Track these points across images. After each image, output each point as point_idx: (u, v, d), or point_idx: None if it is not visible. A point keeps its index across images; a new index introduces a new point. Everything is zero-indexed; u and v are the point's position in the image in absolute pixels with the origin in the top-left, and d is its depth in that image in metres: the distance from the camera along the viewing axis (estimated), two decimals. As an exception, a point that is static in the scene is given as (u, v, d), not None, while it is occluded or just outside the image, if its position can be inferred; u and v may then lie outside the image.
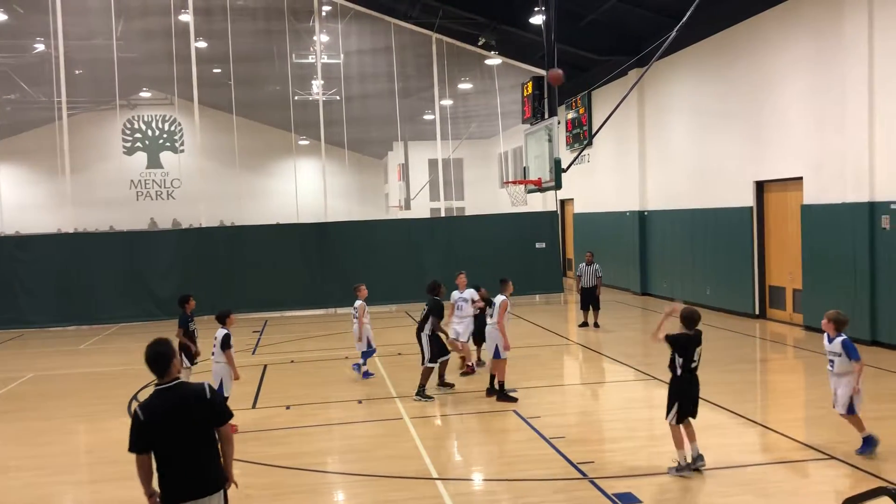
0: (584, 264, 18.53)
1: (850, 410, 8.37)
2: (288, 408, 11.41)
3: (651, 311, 21.07)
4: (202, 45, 24.80)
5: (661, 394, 11.13)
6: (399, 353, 15.54)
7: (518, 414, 10.51)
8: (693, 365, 7.86)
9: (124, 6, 24.15)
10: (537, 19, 21.51)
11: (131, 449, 5.02)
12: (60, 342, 19.41)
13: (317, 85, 26.19)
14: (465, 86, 30.49)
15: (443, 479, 7.99)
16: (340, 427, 10.50)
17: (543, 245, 23.78)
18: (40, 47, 27.24)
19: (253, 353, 16.59)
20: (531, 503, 7.32)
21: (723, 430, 9.47)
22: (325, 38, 26.52)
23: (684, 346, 7.83)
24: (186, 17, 23.54)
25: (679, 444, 7.87)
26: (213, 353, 10.41)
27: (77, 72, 27.22)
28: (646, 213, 23.94)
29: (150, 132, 41.54)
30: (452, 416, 11.01)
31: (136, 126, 41.18)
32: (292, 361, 15.38)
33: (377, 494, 7.71)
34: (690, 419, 7.95)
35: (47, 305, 21.30)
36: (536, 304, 23.59)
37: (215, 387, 10.14)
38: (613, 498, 7.24)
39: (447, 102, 29.56)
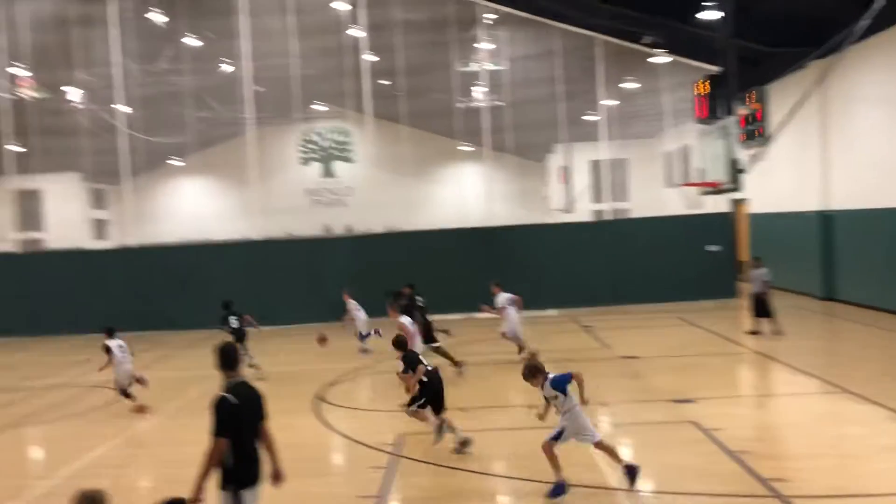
0: (752, 269, 17.65)
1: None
2: (463, 410, 11.61)
3: (836, 317, 19.71)
4: (372, 58, 25.90)
5: (852, 408, 10.48)
6: (568, 359, 15.45)
7: (698, 425, 10.20)
8: (429, 368, 9.87)
9: (302, 26, 25.68)
10: (705, 14, 20.75)
11: (221, 433, 5.48)
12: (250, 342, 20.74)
13: (480, 92, 26.63)
14: (628, 85, 29.88)
15: (622, 491, 7.92)
16: (512, 432, 10.61)
17: (716, 248, 22.84)
18: (227, 68, 29.52)
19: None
20: (719, 520, 7.11)
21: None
22: (488, 46, 26.92)
23: (414, 362, 9.91)
24: (358, 33, 24.66)
25: (426, 420, 9.68)
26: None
27: (260, 90, 29.25)
28: (829, 213, 22.40)
29: (324, 143, 43.94)
30: (628, 425, 10.86)
31: (311, 138, 43.69)
32: (462, 365, 15.63)
33: (553, 502, 7.74)
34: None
35: (238, 306, 22.89)
36: (708, 310, 22.62)
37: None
38: (810, 519, 6.89)
39: (610, 103, 29.09)
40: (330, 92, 34.62)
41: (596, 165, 34.93)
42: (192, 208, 43.71)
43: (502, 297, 15.92)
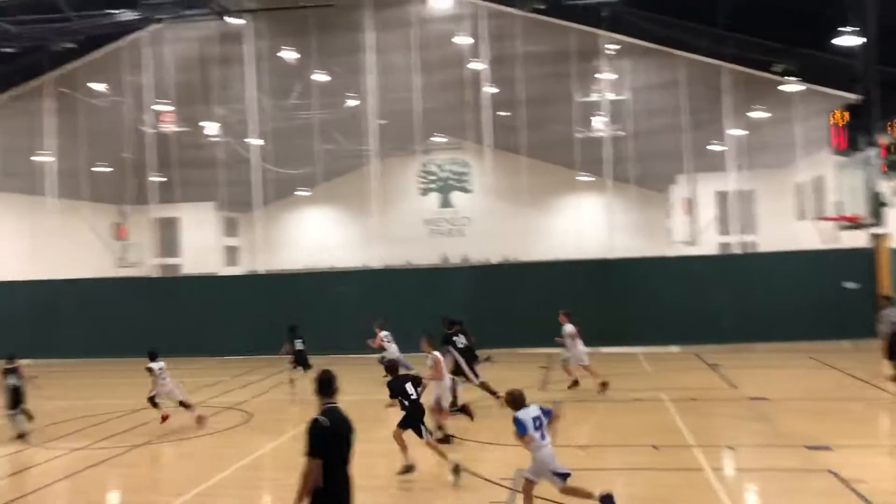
0: (882, 309, 16.41)
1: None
2: (583, 448, 11.31)
3: None
4: (492, 90, 26.20)
5: None
6: (692, 399, 14.85)
7: (836, 475, 9.52)
8: (411, 397, 10.43)
9: (425, 61, 26.35)
10: (842, 40, 19.81)
11: (315, 454, 5.61)
12: (365, 370, 21.06)
13: (601, 122, 26.39)
14: (757, 114, 28.78)
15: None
16: (634, 473, 10.27)
17: (854, 285, 21.45)
18: (353, 102, 30.62)
19: (544, 388, 16.75)
20: (862, 581, 6.58)
21: None
22: (609, 76, 26.68)
23: (395, 390, 10.47)
24: (479, 66, 25.04)
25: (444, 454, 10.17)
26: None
27: (383, 122, 30.13)
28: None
29: (442, 174, 44.73)
30: (758, 471, 10.28)
31: (430, 169, 44.61)
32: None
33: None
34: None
35: (357, 334, 23.39)
36: (844, 351, 21.24)
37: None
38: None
39: (738, 132, 28.10)
40: (450, 124, 35.23)
41: (722, 197, 33.74)
42: (316, 236, 45.41)
43: (569, 328, 15.91)
